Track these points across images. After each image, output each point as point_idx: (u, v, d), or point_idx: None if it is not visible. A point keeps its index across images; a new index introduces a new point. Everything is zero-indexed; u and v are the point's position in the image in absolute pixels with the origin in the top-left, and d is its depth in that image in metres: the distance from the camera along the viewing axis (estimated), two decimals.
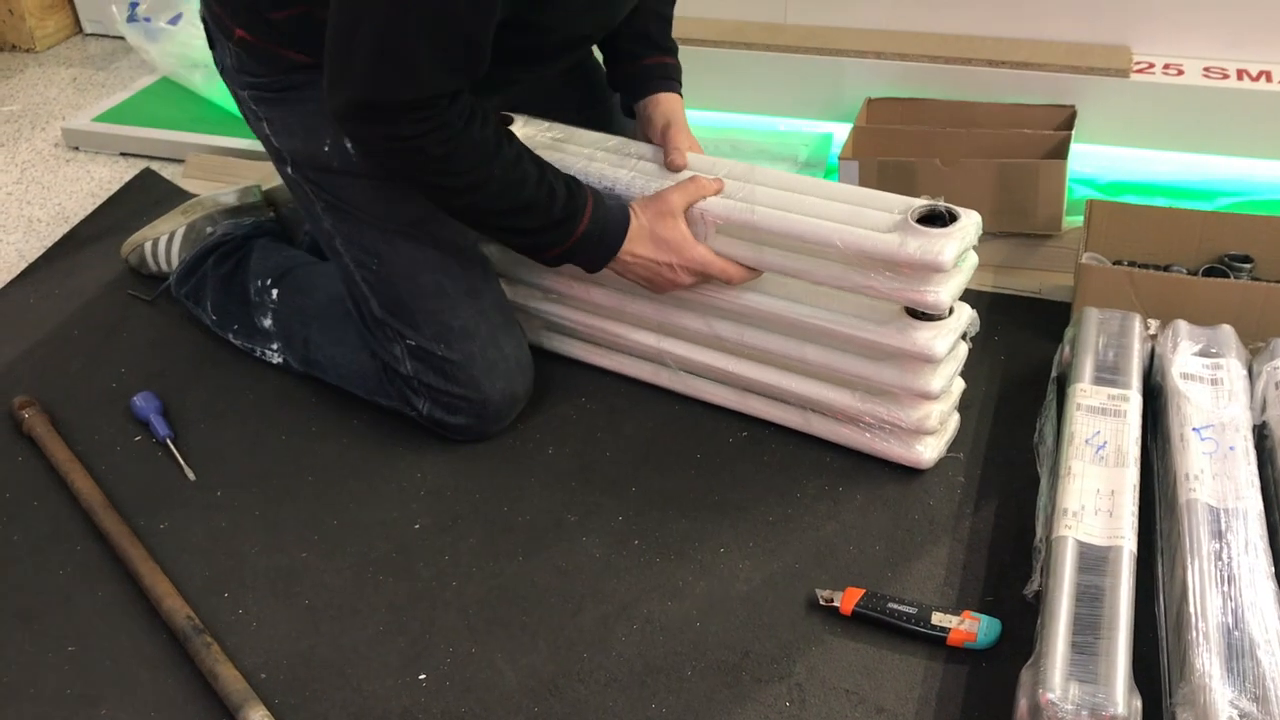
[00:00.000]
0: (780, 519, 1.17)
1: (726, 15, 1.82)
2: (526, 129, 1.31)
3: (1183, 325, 1.24)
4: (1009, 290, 1.49)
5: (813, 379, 1.23)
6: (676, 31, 1.81)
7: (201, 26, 2.08)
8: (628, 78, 1.33)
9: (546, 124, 1.32)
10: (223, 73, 1.28)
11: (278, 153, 1.25)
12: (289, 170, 1.25)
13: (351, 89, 1.05)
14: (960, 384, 1.24)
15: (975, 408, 1.30)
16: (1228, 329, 1.24)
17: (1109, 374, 1.19)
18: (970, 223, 1.11)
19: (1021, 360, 1.37)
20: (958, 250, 1.09)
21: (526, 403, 1.30)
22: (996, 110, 1.63)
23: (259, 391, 1.37)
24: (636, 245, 1.18)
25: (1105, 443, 1.10)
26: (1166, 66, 1.65)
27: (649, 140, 1.29)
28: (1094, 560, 0.98)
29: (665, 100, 1.30)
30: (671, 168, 1.22)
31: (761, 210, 1.16)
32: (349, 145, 1.17)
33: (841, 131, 1.68)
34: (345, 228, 1.23)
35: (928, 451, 1.20)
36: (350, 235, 1.23)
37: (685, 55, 1.77)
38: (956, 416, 1.25)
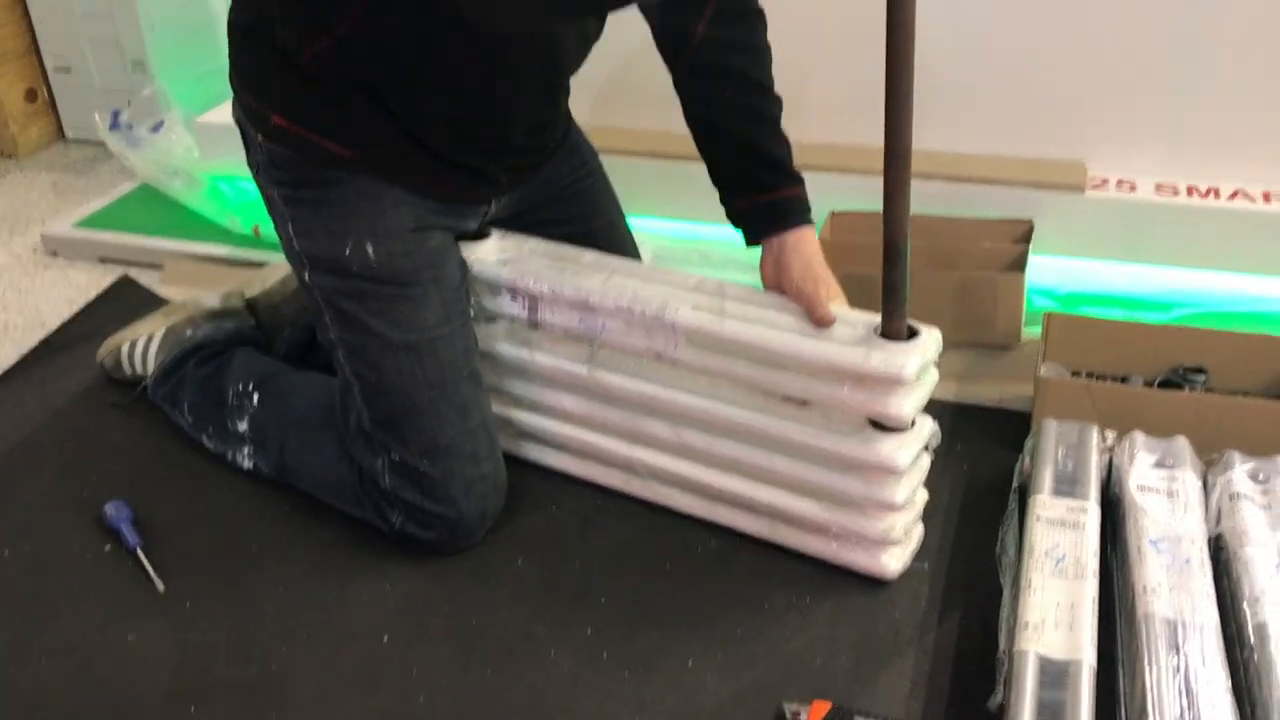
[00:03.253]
0: (749, 631, 1.18)
1: None
2: (504, 242, 1.35)
3: (1139, 436, 1.28)
4: (972, 400, 1.52)
5: (780, 488, 1.25)
6: (651, 144, 1.87)
7: (181, 133, 2.14)
8: (756, 210, 1.29)
9: (525, 238, 1.36)
10: (256, 174, 1.29)
11: (299, 256, 1.26)
12: (306, 276, 1.27)
13: None
14: (924, 495, 1.26)
15: (939, 517, 1.32)
16: (1183, 441, 1.27)
17: (1068, 485, 1.21)
18: (931, 339, 1.14)
19: (984, 470, 1.39)
20: (919, 365, 1.12)
21: (496, 519, 1.31)
22: (957, 224, 1.69)
23: (230, 499, 1.38)
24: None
25: (1064, 555, 1.13)
26: (1120, 182, 1.72)
27: (775, 283, 1.24)
28: (1055, 675, 1.00)
29: (804, 240, 1.26)
30: (821, 324, 1.17)
31: (731, 322, 1.19)
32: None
33: None
34: (350, 338, 1.25)
35: (893, 562, 1.22)
36: (354, 346, 1.25)
37: (659, 169, 1.83)
38: (921, 527, 1.27)
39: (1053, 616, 1.06)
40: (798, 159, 1.84)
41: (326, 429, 1.32)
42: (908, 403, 1.13)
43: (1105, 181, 1.72)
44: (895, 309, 1.13)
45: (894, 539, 1.20)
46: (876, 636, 1.17)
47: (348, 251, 1.22)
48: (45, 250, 2.03)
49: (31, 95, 2.46)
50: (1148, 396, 1.36)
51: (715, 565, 1.27)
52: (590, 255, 1.33)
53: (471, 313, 1.32)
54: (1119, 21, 1.64)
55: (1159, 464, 1.24)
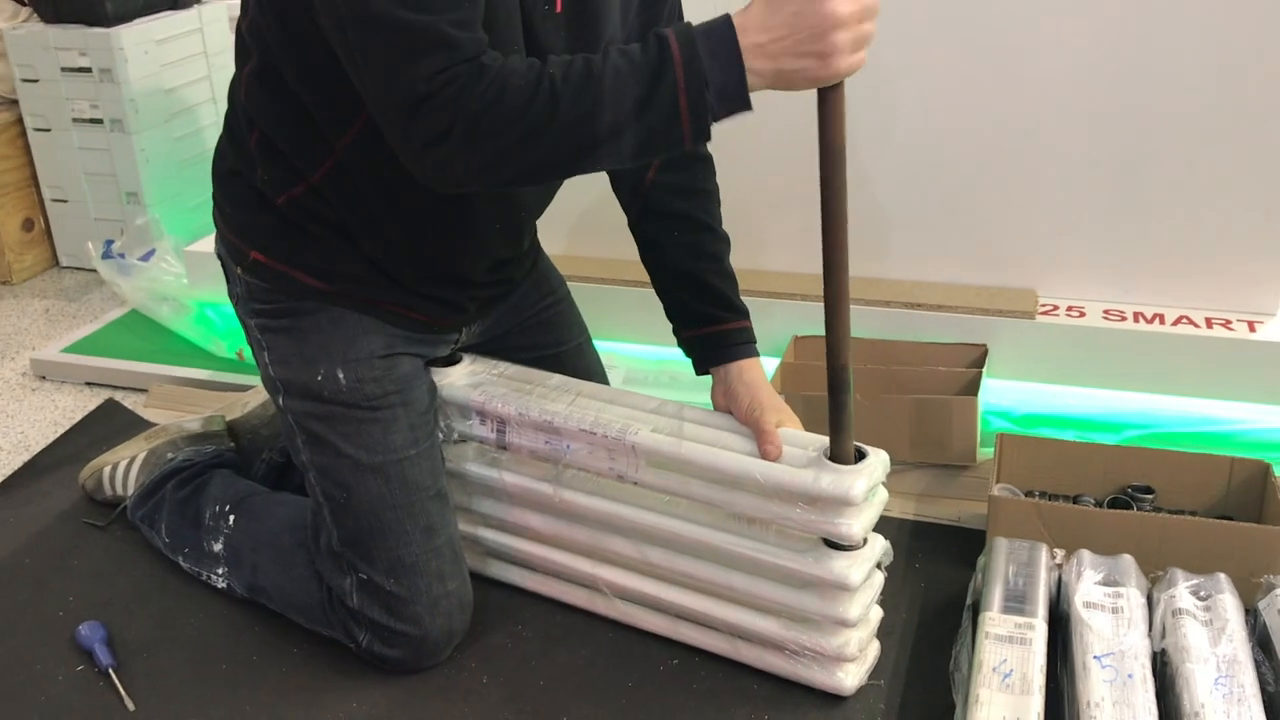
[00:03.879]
0: None
1: None
2: (473, 366, 1.40)
3: (1086, 555, 1.32)
4: (929, 519, 1.56)
5: (739, 605, 1.28)
6: (621, 274, 1.95)
7: (171, 261, 2.22)
8: (702, 341, 1.35)
9: (496, 362, 1.41)
10: (236, 305, 1.36)
11: (273, 382, 1.32)
12: (281, 400, 1.32)
13: (394, 100, 1.00)
14: (878, 612, 1.30)
15: (896, 635, 1.35)
16: (1128, 558, 1.31)
17: (1017, 602, 1.25)
18: (878, 461, 1.20)
19: (941, 587, 1.43)
20: (867, 486, 1.17)
21: (462, 637, 1.34)
22: (914, 348, 1.76)
23: (202, 619, 1.40)
24: (754, 16, 0.97)
25: (1011, 670, 1.16)
26: (1070, 309, 1.79)
27: (725, 409, 1.30)
28: None
29: (748, 369, 1.31)
30: (767, 458, 1.20)
31: (689, 445, 1.25)
32: (433, 175, 1.05)
33: (771, 366, 1.79)
34: (321, 460, 1.30)
35: (849, 679, 1.25)
36: (325, 468, 1.30)
37: (630, 296, 1.90)
38: (876, 644, 1.31)
39: None
40: (761, 286, 1.92)
41: (297, 550, 1.36)
42: (857, 523, 1.18)
43: (1055, 308, 1.79)
44: (842, 433, 1.18)
45: (849, 655, 1.23)
46: None
47: (319, 377, 1.27)
48: (34, 374, 2.08)
49: (29, 224, 2.54)
50: (1095, 516, 1.40)
51: (677, 683, 1.29)
52: (556, 379, 1.39)
53: (440, 435, 1.37)
54: (1067, 161, 1.74)
55: (1105, 581, 1.28)
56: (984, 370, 1.69)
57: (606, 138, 0.99)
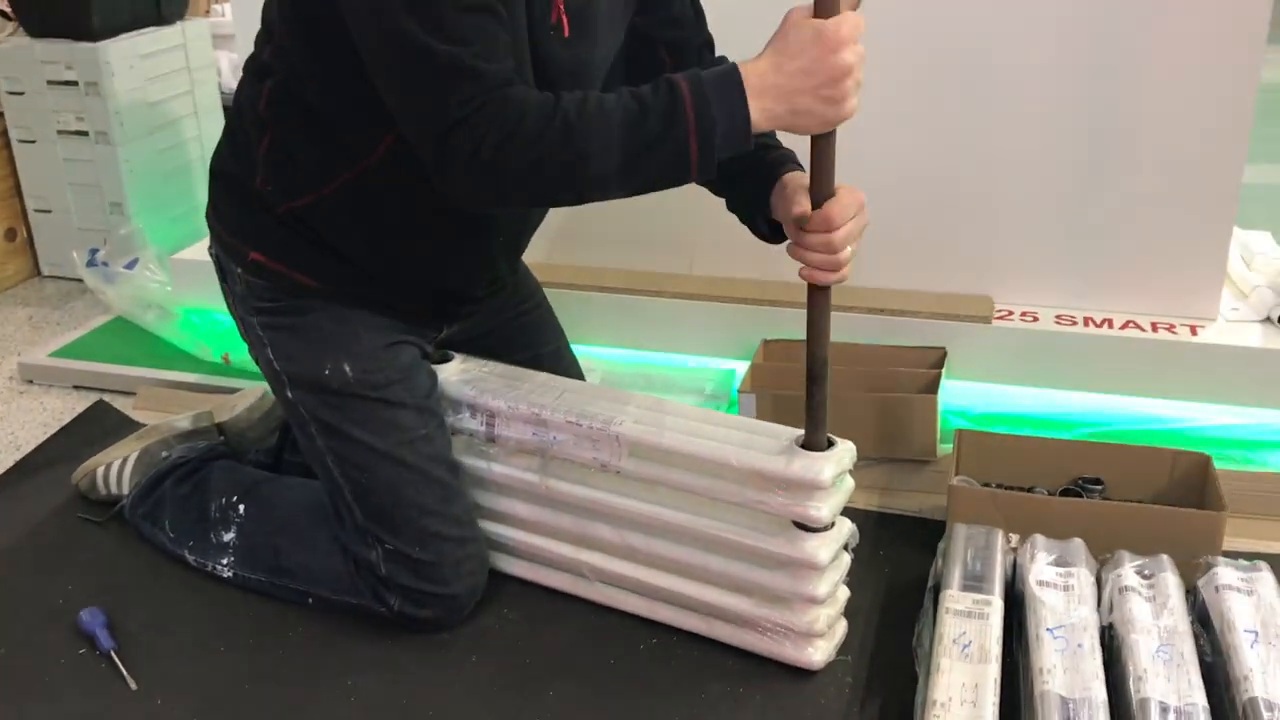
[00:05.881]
0: (686, 719, 1.28)
1: (640, 267, 2.04)
2: (465, 364, 1.48)
3: (1039, 539, 1.41)
4: (893, 510, 1.65)
5: (715, 586, 1.36)
6: (595, 280, 2.03)
7: (156, 269, 2.27)
8: (753, 171, 1.28)
9: (485, 361, 1.49)
10: (232, 304, 1.43)
11: (277, 375, 1.39)
12: (288, 393, 1.39)
13: (427, 125, 1.11)
14: (845, 592, 1.38)
15: (862, 615, 1.43)
16: (1078, 542, 1.40)
17: (975, 581, 1.34)
18: (845, 449, 1.28)
19: (904, 573, 1.51)
20: (835, 471, 1.25)
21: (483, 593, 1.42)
22: (876, 351, 1.85)
23: (201, 604, 1.46)
24: (770, 60, 1.08)
25: (970, 642, 1.24)
26: (1024, 314, 1.89)
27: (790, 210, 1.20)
28: None
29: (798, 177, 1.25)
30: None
31: (670, 434, 1.33)
32: (458, 193, 1.16)
33: (742, 368, 1.88)
34: (336, 446, 1.37)
35: (818, 654, 1.33)
36: (341, 452, 1.37)
37: (604, 302, 1.98)
38: (844, 622, 1.39)
39: (958, 695, 1.17)
40: (732, 293, 2.00)
41: (316, 528, 1.42)
42: (826, 506, 1.26)
43: (1010, 313, 1.89)
44: (816, 424, 1.27)
45: (818, 631, 1.31)
46: None
47: (327, 371, 1.34)
48: (21, 379, 2.13)
49: (11, 234, 2.58)
50: (1048, 504, 1.49)
51: (655, 661, 1.37)
52: (543, 376, 1.46)
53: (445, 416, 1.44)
54: (1022, 173, 1.84)
55: (1056, 562, 1.36)
56: (943, 371, 1.78)
57: (615, 171, 1.10)
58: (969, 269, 1.93)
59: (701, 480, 1.32)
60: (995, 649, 1.24)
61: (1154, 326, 1.84)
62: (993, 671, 1.20)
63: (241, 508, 1.49)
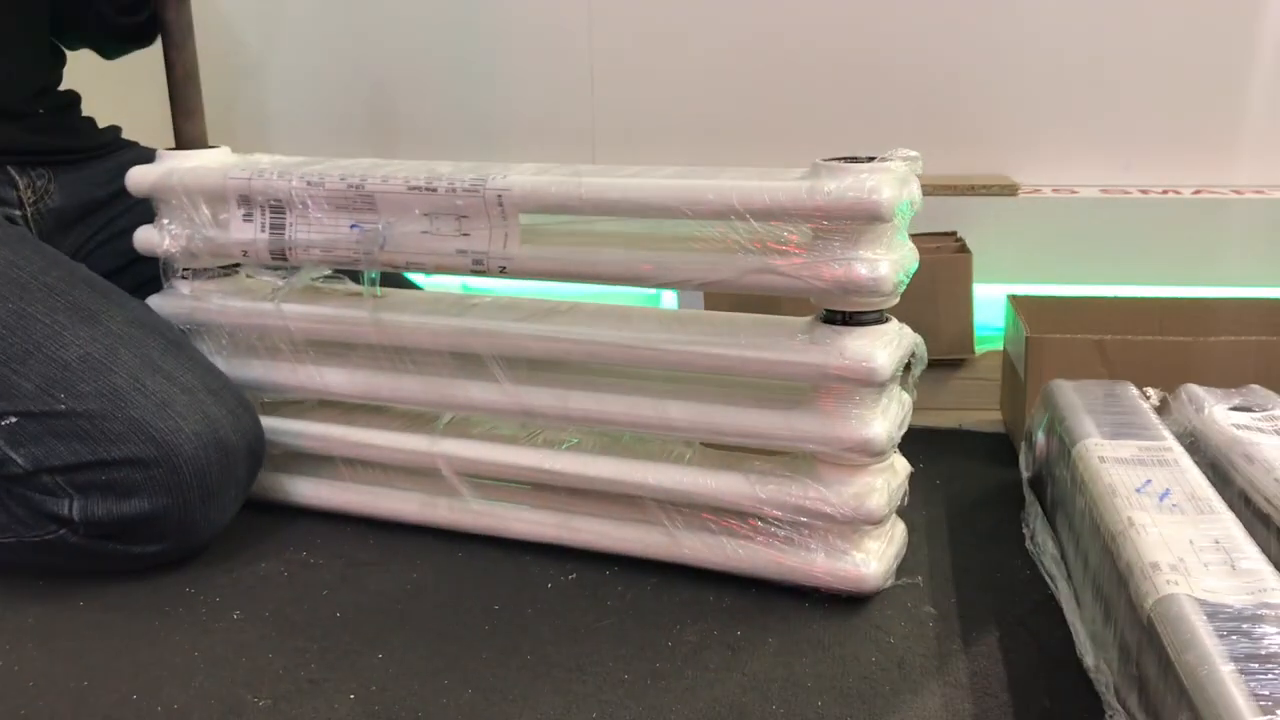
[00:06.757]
0: (643, 676, 0.66)
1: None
2: (236, 156, 0.88)
3: (1196, 389, 0.86)
4: (928, 425, 1.08)
5: (682, 466, 0.77)
6: None
7: None
8: None
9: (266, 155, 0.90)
10: None
11: None
12: None
13: None
14: (904, 463, 0.79)
15: (920, 532, 0.85)
16: (1257, 387, 0.86)
17: (1127, 429, 0.77)
18: (901, 159, 0.72)
19: (960, 485, 0.94)
20: (895, 193, 0.69)
21: (250, 483, 0.80)
22: None
23: None
24: None
25: (1168, 490, 0.67)
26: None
27: None
28: (1237, 624, 0.52)
29: None
30: None
31: (590, 181, 0.74)
32: None
33: None
34: None
35: (871, 562, 0.73)
36: None
37: None
38: (901, 524, 0.80)
39: (1195, 558, 0.59)
40: None
41: None
42: (885, 262, 0.69)
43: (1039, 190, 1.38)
44: None
45: (874, 514, 0.72)
46: (867, 671, 0.67)
47: None
48: None
49: None
50: (1196, 348, 0.94)
51: (577, 602, 0.75)
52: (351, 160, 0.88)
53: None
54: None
55: (1241, 408, 0.82)
56: (971, 255, 1.24)
57: None
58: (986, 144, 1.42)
59: (668, 254, 0.74)
60: (1215, 500, 0.66)
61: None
62: (1232, 522, 0.63)
63: None
